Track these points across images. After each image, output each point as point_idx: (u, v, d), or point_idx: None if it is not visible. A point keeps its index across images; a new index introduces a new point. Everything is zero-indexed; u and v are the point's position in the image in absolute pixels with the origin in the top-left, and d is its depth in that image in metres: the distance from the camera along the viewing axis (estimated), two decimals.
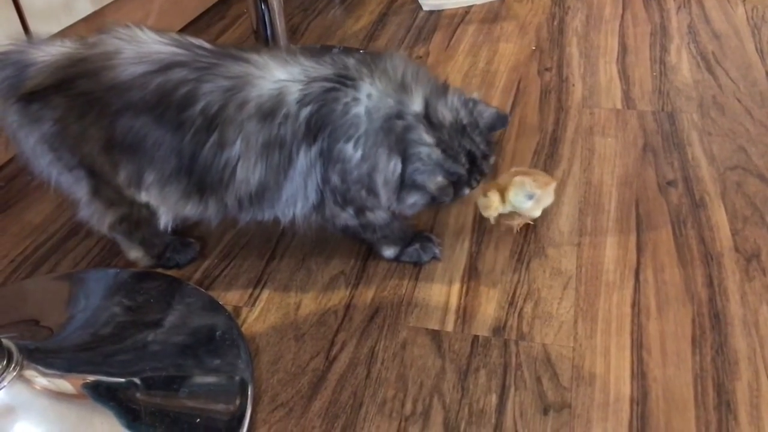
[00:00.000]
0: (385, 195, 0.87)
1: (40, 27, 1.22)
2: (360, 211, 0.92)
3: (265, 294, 0.97)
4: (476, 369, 0.83)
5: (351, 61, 0.87)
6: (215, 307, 0.93)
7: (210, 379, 0.82)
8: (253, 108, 0.83)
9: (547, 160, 1.19)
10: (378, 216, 0.94)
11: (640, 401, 0.79)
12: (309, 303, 0.95)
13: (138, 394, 0.77)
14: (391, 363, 0.85)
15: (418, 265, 1.00)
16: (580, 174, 1.15)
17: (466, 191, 0.91)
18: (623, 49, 1.54)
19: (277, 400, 0.82)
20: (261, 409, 0.81)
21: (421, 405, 0.80)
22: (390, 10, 1.84)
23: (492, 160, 0.91)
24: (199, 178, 0.86)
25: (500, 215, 1.03)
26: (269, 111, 0.83)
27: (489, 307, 0.92)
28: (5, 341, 0.71)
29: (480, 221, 1.06)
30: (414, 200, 0.88)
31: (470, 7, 1.81)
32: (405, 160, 0.85)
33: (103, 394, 0.75)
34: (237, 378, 0.82)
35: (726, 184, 1.10)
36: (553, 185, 1.03)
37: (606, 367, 0.83)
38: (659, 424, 0.76)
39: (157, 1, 1.58)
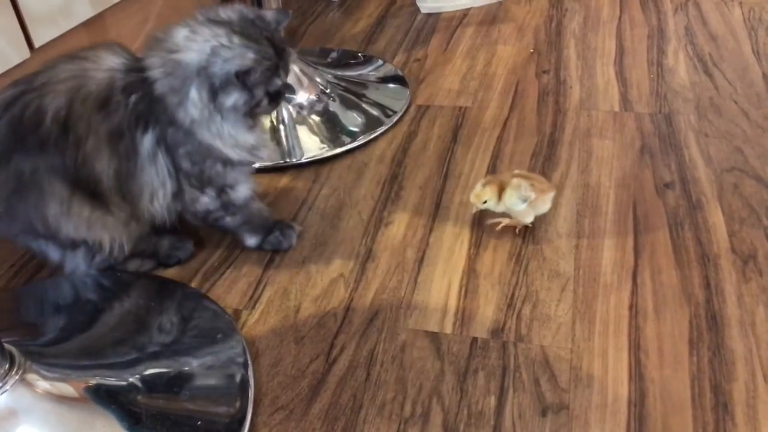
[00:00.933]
0: (213, 129, 0.90)
1: (40, 32, 1.23)
2: (220, 191, 0.96)
3: (265, 297, 0.97)
4: (475, 371, 0.84)
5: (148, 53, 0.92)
6: (215, 310, 0.93)
7: (210, 381, 0.82)
8: (93, 99, 0.87)
9: (545, 162, 1.20)
10: (239, 194, 0.98)
11: (638, 402, 0.79)
12: (308, 306, 0.95)
13: (139, 397, 0.78)
14: (390, 365, 0.86)
15: (278, 251, 1.05)
16: (578, 176, 1.16)
17: (278, 81, 0.92)
18: (621, 51, 1.54)
19: (277, 402, 0.82)
20: (261, 411, 0.81)
21: (420, 407, 0.80)
22: (388, 12, 1.84)
23: (292, 55, 0.96)
24: (85, 188, 0.89)
25: (489, 213, 1.04)
26: (105, 99, 0.88)
27: (487, 309, 0.92)
28: (7, 345, 0.72)
29: (478, 223, 1.07)
30: (233, 100, 0.89)
31: (468, 9, 1.82)
32: (209, 66, 0.86)
33: (104, 397, 0.76)
34: (237, 381, 0.82)
35: (723, 185, 1.11)
36: (551, 194, 1.03)
37: (604, 369, 0.83)
38: (657, 426, 0.77)
39: (157, 4, 1.59)
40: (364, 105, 1.41)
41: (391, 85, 1.49)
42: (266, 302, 0.96)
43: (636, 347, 0.86)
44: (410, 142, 1.29)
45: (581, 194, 1.11)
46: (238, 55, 0.87)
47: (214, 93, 0.88)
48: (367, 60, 1.61)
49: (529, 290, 0.95)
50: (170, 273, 1.02)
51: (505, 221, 1.03)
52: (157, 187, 0.93)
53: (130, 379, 0.79)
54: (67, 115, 0.86)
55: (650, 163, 1.17)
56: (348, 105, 1.40)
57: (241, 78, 0.87)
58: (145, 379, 0.80)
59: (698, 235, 1.02)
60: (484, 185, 1.02)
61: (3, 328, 0.89)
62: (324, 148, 1.28)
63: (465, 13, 1.80)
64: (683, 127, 1.26)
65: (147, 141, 0.90)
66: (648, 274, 0.96)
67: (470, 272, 0.99)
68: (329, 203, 1.15)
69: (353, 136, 1.31)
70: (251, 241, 1.05)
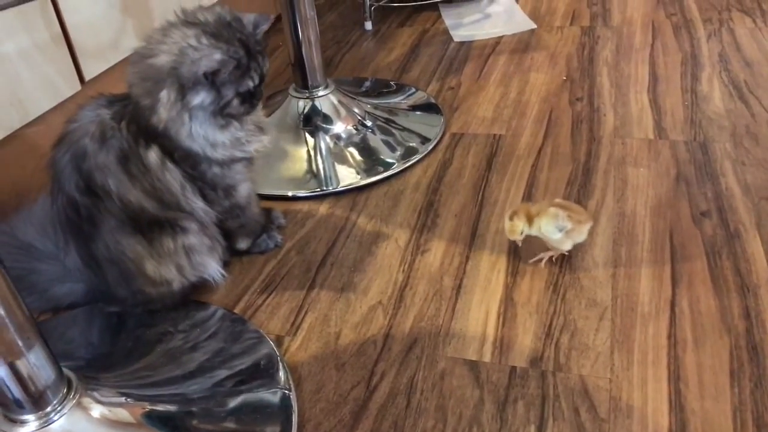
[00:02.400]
0: (184, 130, 0.93)
1: (91, 65, 1.28)
2: (226, 192, 1.02)
3: (306, 323, 1.00)
4: (514, 400, 0.85)
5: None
6: (259, 336, 0.96)
7: (255, 406, 0.84)
8: (90, 144, 0.92)
9: (580, 190, 1.21)
10: (241, 193, 1.04)
11: None
12: (348, 333, 0.97)
13: (187, 422, 0.80)
14: (430, 393, 0.87)
15: (264, 253, 1.13)
16: (614, 204, 1.16)
17: (250, 83, 0.95)
18: (654, 78, 1.55)
19: (320, 428, 0.84)
20: None
21: None
22: (421, 41, 1.88)
23: (267, 62, 0.98)
24: (149, 226, 0.95)
25: (526, 237, 1.05)
26: (101, 133, 0.93)
27: (526, 338, 0.93)
28: (65, 370, 0.75)
29: (515, 252, 1.08)
30: (200, 99, 0.92)
31: (500, 37, 1.85)
32: (178, 67, 0.89)
33: (156, 422, 0.78)
34: (281, 406, 0.84)
35: (761, 214, 1.11)
36: (588, 225, 1.03)
37: (643, 399, 0.84)
38: None
39: None
40: (399, 133, 1.44)
41: (424, 113, 1.52)
42: (307, 329, 0.99)
43: (676, 377, 0.86)
44: (445, 170, 1.31)
45: (617, 223, 1.12)
46: (205, 56, 0.89)
47: (183, 93, 0.91)
48: (400, 88, 1.64)
49: (566, 319, 0.95)
50: (215, 299, 1.05)
51: (547, 256, 1.04)
52: (182, 189, 0.97)
53: (180, 405, 0.82)
54: (84, 180, 0.92)
55: (686, 192, 1.18)
56: (384, 134, 1.43)
57: (210, 78, 0.90)
58: (193, 404, 0.83)
59: (737, 264, 1.02)
60: (510, 218, 1.03)
61: (57, 353, 0.92)
62: (360, 176, 1.31)
63: (497, 41, 1.83)
64: (719, 155, 1.26)
65: (152, 154, 0.94)
66: (686, 303, 0.96)
67: (508, 301, 1.00)
68: (367, 231, 1.18)
69: (389, 165, 1.33)
70: (243, 244, 1.12)
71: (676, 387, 0.85)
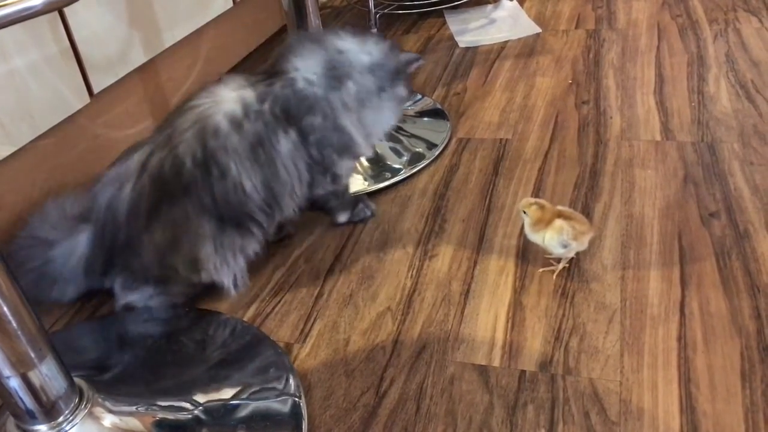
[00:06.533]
0: (361, 127, 1.06)
1: (99, 78, 1.30)
2: (334, 177, 1.10)
3: (315, 330, 1.00)
4: (524, 404, 0.85)
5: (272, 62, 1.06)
6: (268, 344, 0.96)
7: (266, 414, 0.85)
8: (226, 124, 0.95)
9: (587, 193, 1.21)
10: (344, 181, 1.14)
11: None
12: (357, 339, 0.98)
13: (198, 430, 0.81)
14: (439, 398, 0.87)
15: (364, 222, 1.21)
16: (621, 207, 1.16)
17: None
18: (660, 79, 1.55)
19: None
20: None
21: None
22: (427, 47, 1.89)
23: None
24: (233, 218, 0.98)
25: (543, 257, 1.05)
26: (240, 116, 0.96)
27: (535, 341, 0.93)
28: (77, 380, 0.75)
29: (523, 257, 1.08)
30: (401, 91, 1.10)
31: (505, 42, 1.85)
32: (385, 63, 1.06)
33: (167, 430, 0.79)
34: (291, 413, 0.85)
35: None
36: (589, 236, 1.03)
37: (654, 402, 0.83)
38: None
39: (204, 47, 1.66)
40: (405, 139, 1.44)
41: (431, 119, 1.53)
42: (317, 336, 0.99)
43: (686, 379, 0.86)
44: (452, 176, 1.32)
45: (625, 225, 1.12)
46: (404, 53, 1.10)
47: (390, 83, 1.07)
48: None
49: (576, 322, 0.95)
50: (225, 307, 1.06)
51: (559, 268, 1.04)
52: (295, 183, 1.02)
53: (190, 413, 0.82)
54: (204, 155, 0.95)
55: (694, 193, 1.17)
56: (391, 140, 1.43)
57: (406, 72, 1.09)
58: (203, 412, 0.83)
59: (746, 264, 1.01)
60: (535, 204, 1.03)
61: (68, 363, 0.93)
62: (367, 183, 1.31)
63: (503, 46, 1.83)
64: (727, 156, 1.26)
65: (287, 139, 0.99)
66: (696, 305, 0.96)
67: (516, 305, 1.00)
68: (374, 237, 1.18)
69: (396, 171, 1.34)
70: (343, 217, 1.20)
71: (687, 389, 0.84)
